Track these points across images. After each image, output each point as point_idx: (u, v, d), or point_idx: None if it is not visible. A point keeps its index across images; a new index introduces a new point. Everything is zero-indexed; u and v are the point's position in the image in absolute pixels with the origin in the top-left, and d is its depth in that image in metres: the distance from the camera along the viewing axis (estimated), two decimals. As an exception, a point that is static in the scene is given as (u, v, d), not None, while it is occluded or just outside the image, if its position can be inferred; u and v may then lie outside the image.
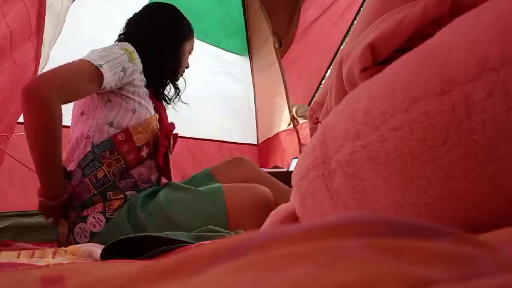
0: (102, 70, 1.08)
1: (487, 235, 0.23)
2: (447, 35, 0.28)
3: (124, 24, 1.39)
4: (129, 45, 1.22)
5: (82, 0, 1.76)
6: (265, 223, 0.55)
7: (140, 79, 1.24)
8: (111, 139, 1.17)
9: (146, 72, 1.25)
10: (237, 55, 2.65)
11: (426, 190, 0.28)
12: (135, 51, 1.21)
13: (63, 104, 1.08)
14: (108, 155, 1.15)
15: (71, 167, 1.19)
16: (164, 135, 1.30)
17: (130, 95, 1.22)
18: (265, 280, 0.14)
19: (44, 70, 1.38)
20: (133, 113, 1.21)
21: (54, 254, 0.87)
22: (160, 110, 1.35)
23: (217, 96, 2.45)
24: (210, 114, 2.36)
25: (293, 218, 0.48)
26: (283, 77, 2.37)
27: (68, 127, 1.83)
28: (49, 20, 1.22)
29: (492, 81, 0.24)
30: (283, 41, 2.36)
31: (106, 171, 1.14)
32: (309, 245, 0.16)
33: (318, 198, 0.39)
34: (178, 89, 1.47)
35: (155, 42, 1.30)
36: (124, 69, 1.15)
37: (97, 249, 0.87)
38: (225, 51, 2.57)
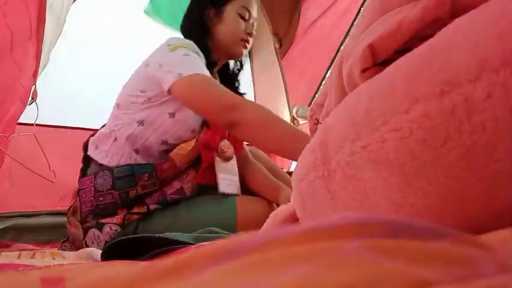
0: (204, 73, 1.04)
1: (487, 236, 0.23)
2: (447, 35, 0.28)
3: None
4: (185, 39, 1.13)
5: (83, 1, 1.76)
6: (265, 224, 0.55)
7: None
8: (154, 165, 1.09)
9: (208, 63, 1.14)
10: (237, 55, 2.65)
11: (426, 191, 0.28)
12: (195, 45, 1.12)
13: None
14: (146, 178, 1.07)
15: (92, 151, 1.12)
16: (204, 147, 1.15)
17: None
18: (265, 281, 0.14)
19: (44, 71, 1.38)
20: (169, 116, 1.11)
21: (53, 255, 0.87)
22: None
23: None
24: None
25: (293, 218, 0.48)
26: (283, 77, 2.36)
27: (64, 127, 1.83)
28: (50, 20, 1.22)
29: (492, 81, 0.24)
30: (284, 42, 2.36)
31: (139, 192, 1.07)
32: (309, 246, 0.16)
33: (318, 199, 0.39)
34: (241, 65, 1.32)
35: (194, 23, 1.19)
36: (204, 66, 1.09)
37: (97, 250, 0.88)
38: (225, 52, 2.57)
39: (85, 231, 1.08)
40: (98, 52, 2.00)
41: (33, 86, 1.31)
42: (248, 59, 2.71)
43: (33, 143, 1.37)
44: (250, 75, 2.72)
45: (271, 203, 1.15)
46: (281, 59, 2.38)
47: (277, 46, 2.37)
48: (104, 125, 1.20)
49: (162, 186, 1.11)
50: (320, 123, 0.54)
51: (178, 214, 1.09)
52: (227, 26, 1.21)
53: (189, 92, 1.03)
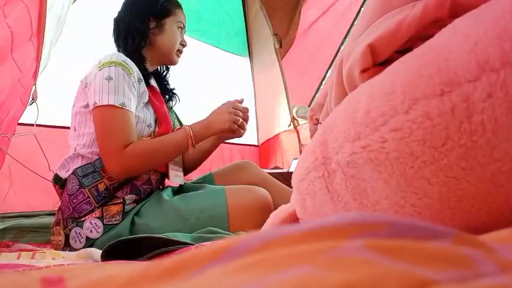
0: (126, 107, 1.10)
1: (487, 236, 0.23)
2: (447, 35, 0.28)
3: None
4: (118, 55, 1.17)
5: (83, 1, 1.76)
6: (265, 224, 0.55)
7: (140, 87, 1.19)
8: None
9: (139, 67, 1.20)
10: (237, 56, 2.65)
11: (426, 191, 0.28)
12: (126, 60, 1.16)
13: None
14: None
15: (64, 174, 1.17)
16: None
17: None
18: (266, 281, 0.14)
19: (45, 71, 1.38)
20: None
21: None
22: (160, 111, 1.28)
23: (217, 97, 2.44)
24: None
25: (293, 218, 0.48)
26: (283, 77, 2.37)
27: (64, 127, 1.83)
28: (50, 21, 1.22)
29: (492, 82, 0.24)
30: (284, 42, 2.36)
31: (107, 184, 1.12)
32: (309, 246, 0.16)
33: (318, 199, 0.39)
34: (166, 68, 1.40)
35: (136, 34, 1.24)
36: (134, 87, 1.15)
37: (97, 250, 0.88)
38: (225, 52, 2.57)
39: (67, 236, 1.11)
40: (98, 52, 2.00)
41: (34, 87, 1.31)
42: (248, 59, 2.71)
43: (33, 143, 1.37)
44: (251, 75, 2.72)
45: (257, 188, 1.21)
46: (281, 59, 2.39)
47: (277, 46, 2.37)
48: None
49: (130, 178, 1.17)
50: (320, 123, 0.54)
51: (171, 207, 1.14)
52: (167, 37, 1.30)
53: (95, 124, 1.11)
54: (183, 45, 1.35)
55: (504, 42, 0.23)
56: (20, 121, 1.32)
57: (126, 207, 1.13)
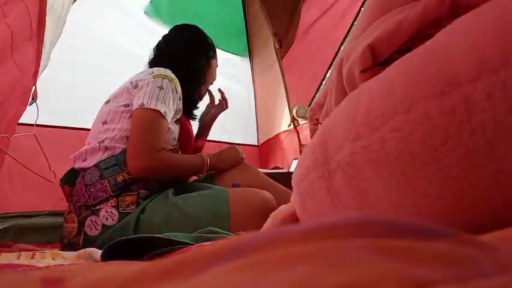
0: (166, 117, 1.22)
1: (487, 236, 0.23)
2: (447, 35, 0.28)
3: (153, 45, 1.49)
4: (170, 72, 1.30)
5: (83, 1, 1.76)
6: (265, 224, 0.56)
7: (178, 105, 1.32)
8: None
9: (184, 95, 1.35)
10: (237, 56, 2.65)
11: (426, 191, 0.28)
12: (174, 78, 1.29)
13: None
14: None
15: (84, 164, 1.21)
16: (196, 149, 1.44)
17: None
18: (266, 281, 0.14)
19: (45, 71, 1.38)
20: None
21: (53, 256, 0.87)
22: (188, 130, 1.44)
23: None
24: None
25: (293, 218, 0.48)
26: (283, 77, 2.37)
27: (64, 127, 1.83)
28: (50, 21, 1.22)
29: (492, 82, 0.24)
30: (284, 42, 2.36)
31: (126, 177, 1.18)
32: (309, 246, 0.16)
33: (318, 199, 0.39)
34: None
35: (191, 66, 1.41)
36: (175, 100, 1.27)
37: (97, 250, 0.88)
38: (225, 52, 2.57)
39: (81, 224, 1.14)
40: (98, 52, 2.00)
41: (34, 87, 1.31)
42: (248, 59, 2.71)
43: (33, 143, 1.37)
44: (251, 75, 2.72)
45: (260, 191, 1.26)
46: (281, 59, 2.39)
47: (277, 47, 2.37)
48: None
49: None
50: (320, 123, 0.54)
51: (174, 205, 1.18)
52: (211, 74, 1.50)
53: (134, 122, 1.21)
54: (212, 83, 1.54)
55: (504, 42, 0.23)
56: (20, 121, 1.31)
57: (140, 200, 1.19)
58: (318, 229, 0.18)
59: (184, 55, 1.40)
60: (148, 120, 1.20)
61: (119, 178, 1.18)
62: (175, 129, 1.34)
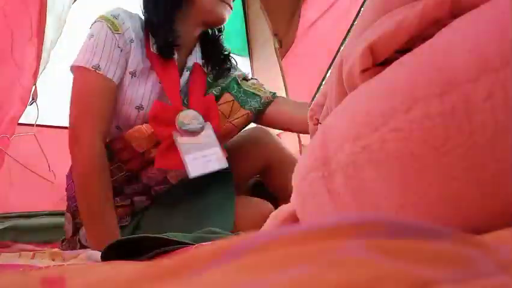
0: (100, 71, 0.88)
1: (487, 236, 0.23)
2: (447, 35, 0.28)
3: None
4: (115, 9, 0.96)
5: (83, 1, 1.76)
6: (265, 224, 0.56)
7: (130, 51, 0.96)
8: (110, 146, 0.99)
9: (166, 37, 0.97)
10: (237, 56, 2.65)
11: (426, 191, 0.28)
12: (118, 15, 0.95)
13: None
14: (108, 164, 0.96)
15: None
16: (154, 122, 0.95)
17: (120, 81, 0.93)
18: (266, 281, 0.14)
19: (45, 71, 1.38)
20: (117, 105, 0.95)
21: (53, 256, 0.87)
22: (170, 86, 0.98)
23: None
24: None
25: (293, 218, 0.48)
26: (283, 77, 2.37)
27: (64, 127, 1.83)
28: (50, 21, 1.22)
29: (492, 81, 0.24)
30: (284, 42, 2.36)
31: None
32: (310, 246, 0.16)
33: (318, 199, 0.39)
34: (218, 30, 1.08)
35: None
36: (119, 47, 0.92)
37: (97, 251, 0.88)
38: (225, 52, 2.57)
39: (76, 228, 1.06)
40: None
41: (34, 87, 1.31)
42: (248, 59, 2.71)
43: (33, 143, 1.37)
44: (251, 75, 2.72)
45: (267, 204, 1.07)
46: (281, 59, 2.39)
47: (277, 46, 2.37)
48: None
49: (138, 173, 0.99)
50: (320, 123, 0.54)
51: (174, 222, 1.03)
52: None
53: (73, 88, 0.91)
54: None
55: (504, 42, 0.23)
56: (20, 121, 1.31)
57: (136, 208, 1.02)
58: (318, 229, 0.18)
59: None
60: (74, 86, 0.89)
61: None
62: (138, 91, 0.94)
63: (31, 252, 0.88)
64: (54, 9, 1.25)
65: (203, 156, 0.94)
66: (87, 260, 0.84)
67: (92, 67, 0.89)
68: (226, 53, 1.16)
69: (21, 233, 1.45)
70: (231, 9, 1.05)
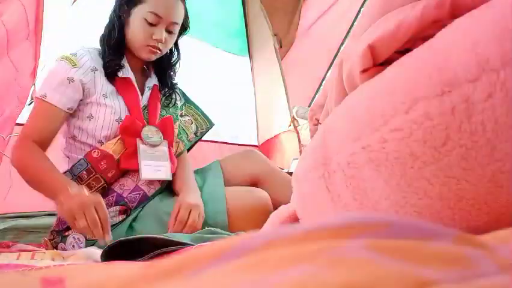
0: (46, 99, 1.04)
1: (487, 236, 0.23)
2: (447, 36, 0.28)
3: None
4: (76, 49, 1.13)
5: (83, 2, 1.76)
6: (265, 224, 0.56)
7: (95, 78, 1.11)
8: (86, 157, 1.08)
9: (109, 61, 1.13)
10: (237, 56, 2.65)
11: (426, 191, 0.28)
12: (77, 53, 1.10)
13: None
14: (86, 176, 1.06)
15: None
16: (124, 132, 1.11)
17: (87, 100, 1.11)
18: (266, 280, 0.14)
19: (44, 71, 1.38)
20: (90, 119, 1.11)
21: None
22: (132, 103, 1.16)
23: (217, 97, 2.44)
24: (210, 115, 2.36)
25: (293, 218, 0.48)
26: (283, 78, 2.37)
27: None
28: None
29: (492, 82, 0.24)
30: (284, 42, 2.36)
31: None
32: (310, 246, 0.16)
33: (318, 199, 0.39)
34: (177, 52, 1.27)
35: (106, 27, 1.18)
36: (69, 80, 1.06)
37: (97, 250, 0.87)
38: (225, 52, 2.57)
39: (54, 247, 1.08)
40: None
41: (33, 86, 1.31)
42: (248, 59, 2.72)
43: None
44: (251, 75, 2.72)
45: (256, 190, 1.19)
46: (281, 59, 2.39)
47: (277, 47, 2.37)
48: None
49: (112, 185, 1.09)
50: (320, 123, 0.54)
51: (168, 213, 1.09)
52: (132, 29, 1.15)
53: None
54: (158, 39, 1.14)
55: (504, 42, 0.23)
56: (19, 121, 1.31)
57: (111, 220, 1.04)
58: (318, 229, 0.18)
59: (111, 15, 1.18)
60: (32, 110, 1.07)
61: None
62: (114, 106, 1.12)
63: (31, 252, 0.88)
64: None
65: (155, 166, 1.15)
66: (87, 259, 0.84)
67: (40, 96, 1.06)
68: (174, 82, 1.34)
69: (21, 233, 1.45)
70: (160, 51, 1.19)
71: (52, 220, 1.49)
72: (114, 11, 1.19)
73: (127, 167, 1.10)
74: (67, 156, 1.15)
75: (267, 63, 2.52)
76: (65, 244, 1.06)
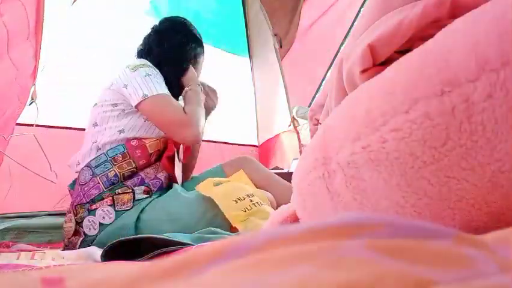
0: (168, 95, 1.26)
1: (487, 236, 0.23)
2: (447, 36, 0.28)
3: (142, 38, 1.49)
4: (145, 60, 1.33)
5: (83, 2, 1.76)
6: (265, 224, 0.55)
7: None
8: (125, 144, 1.25)
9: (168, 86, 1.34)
10: (237, 56, 2.65)
11: (426, 191, 0.28)
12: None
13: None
14: (121, 158, 1.23)
15: (79, 168, 1.24)
16: (173, 142, 1.35)
17: None
18: (266, 281, 0.14)
19: (44, 71, 1.38)
20: (145, 120, 1.29)
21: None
22: None
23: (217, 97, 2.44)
24: (210, 115, 2.36)
25: (293, 218, 0.48)
26: (283, 77, 2.37)
27: (64, 128, 1.83)
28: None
29: (492, 82, 0.24)
30: (284, 42, 2.36)
31: (117, 172, 1.21)
32: (310, 246, 0.16)
33: (318, 199, 0.39)
34: None
35: (178, 61, 1.40)
36: (163, 83, 1.28)
37: (97, 250, 0.88)
38: (225, 52, 2.57)
39: (78, 224, 1.17)
40: (98, 52, 2.00)
41: (33, 87, 1.31)
42: (248, 59, 2.71)
43: (33, 143, 1.37)
44: (251, 75, 2.72)
45: (259, 191, 1.29)
46: (281, 59, 2.38)
47: (277, 46, 2.37)
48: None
49: (139, 170, 1.26)
50: (320, 123, 0.54)
51: (174, 207, 1.19)
52: (197, 70, 1.47)
53: (152, 111, 1.25)
54: None
55: (504, 42, 0.23)
56: (19, 121, 1.31)
57: (136, 195, 1.20)
58: (318, 229, 0.18)
59: (174, 50, 1.40)
60: (163, 104, 1.24)
61: (111, 174, 1.20)
62: None
63: (31, 252, 0.88)
64: None
65: (180, 177, 1.39)
66: (87, 259, 0.84)
67: (167, 94, 1.28)
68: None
69: (21, 233, 1.45)
70: None
71: (52, 220, 1.49)
72: (195, 54, 1.49)
73: (167, 170, 1.33)
74: (93, 146, 1.26)
75: (267, 63, 2.52)
76: (94, 216, 1.16)
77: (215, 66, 2.50)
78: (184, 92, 1.36)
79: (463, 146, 0.25)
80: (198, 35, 1.50)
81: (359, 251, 0.15)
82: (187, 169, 1.49)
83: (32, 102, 1.33)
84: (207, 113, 1.51)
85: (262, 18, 2.44)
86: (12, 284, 0.35)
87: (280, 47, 2.37)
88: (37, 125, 1.37)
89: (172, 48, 1.40)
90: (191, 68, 1.43)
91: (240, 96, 2.64)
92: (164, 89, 1.26)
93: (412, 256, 0.15)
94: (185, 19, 1.51)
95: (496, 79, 0.23)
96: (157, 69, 1.31)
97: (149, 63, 1.32)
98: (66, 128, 1.85)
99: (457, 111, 0.25)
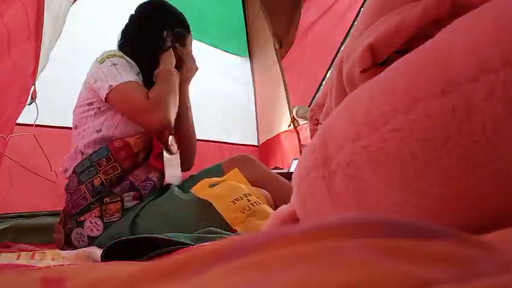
0: (137, 81, 1.19)
1: (487, 236, 0.23)
2: (447, 36, 0.28)
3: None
4: (114, 50, 1.29)
5: (83, 2, 1.76)
6: (265, 224, 0.55)
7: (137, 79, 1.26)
8: (108, 146, 1.18)
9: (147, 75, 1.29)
10: (237, 56, 2.65)
11: (426, 191, 0.28)
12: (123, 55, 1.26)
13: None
14: (105, 163, 1.16)
15: (67, 174, 1.21)
16: (156, 137, 1.27)
17: None
18: (266, 281, 0.14)
19: (44, 71, 1.38)
20: (122, 116, 1.22)
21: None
22: None
23: (217, 98, 2.44)
24: (210, 115, 2.36)
25: (293, 218, 0.48)
26: (283, 78, 2.37)
27: (64, 127, 1.83)
28: (48, 20, 1.22)
29: (492, 81, 0.24)
30: (284, 42, 2.36)
31: (102, 178, 1.14)
32: (310, 246, 0.16)
33: (318, 199, 0.39)
34: None
35: (151, 48, 1.32)
36: (132, 71, 1.23)
37: (97, 250, 0.88)
38: (225, 53, 2.57)
39: (67, 235, 1.14)
40: (98, 52, 2.00)
41: (33, 87, 1.31)
42: (248, 59, 2.72)
43: (33, 143, 1.37)
44: (251, 75, 2.72)
45: (259, 190, 1.25)
46: (281, 59, 2.39)
47: (277, 47, 2.37)
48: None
49: (127, 174, 1.19)
50: (320, 123, 0.54)
51: (171, 210, 1.15)
52: (185, 50, 1.39)
53: (118, 102, 1.19)
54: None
55: (504, 42, 0.23)
56: (19, 121, 1.31)
57: (125, 204, 1.14)
58: (318, 229, 0.18)
59: (146, 37, 1.33)
60: (126, 91, 1.17)
61: (97, 181, 1.14)
62: None
63: (31, 252, 0.88)
64: (52, 8, 1.25)
65: (173, 172, 1.31)
66: (87, 259, 0.84)
67: (133, 80, 1.23)
68: None
69: (21, 233, 1.45)
70: None
71: (52, 220, 1.49)
72: (163, 33, 1.38)
73: (156, 166, 1.25)
74: (76, 150, 1.22)
75: (267, 63, 2.52)
76: (82, 228, 1.12)
77: (215, 66, 2.50)
78: (154, 75, 1.29)
79: (463, 146, 0.25)
80: (178, 15, 1.40)
81: (359, 251, 0.15)
82: (183, 159, 1.40)
83: (32, 102, 1.32)
84: (191, 76, 1.44)
85: (262, 18, 2.44)
86: (12, 284, 0.35)
87: (280, 47, 2.37)
88: (37, 125, 1.37)
89: (144, 35, 1.33)
90: (167, 53, 1.34)
91: (240, 96, 2.64)
92: (131, 77, 1.19)
93: (412, 256, 0.15)
94: (163, 0, 1.42)
95: (496, 79, 0.23)
96: (126, 57, 1.25)
97: (119, 52, 1.26)
98: (66, 128, 1.85)
99: (457, 111, 0.25)
